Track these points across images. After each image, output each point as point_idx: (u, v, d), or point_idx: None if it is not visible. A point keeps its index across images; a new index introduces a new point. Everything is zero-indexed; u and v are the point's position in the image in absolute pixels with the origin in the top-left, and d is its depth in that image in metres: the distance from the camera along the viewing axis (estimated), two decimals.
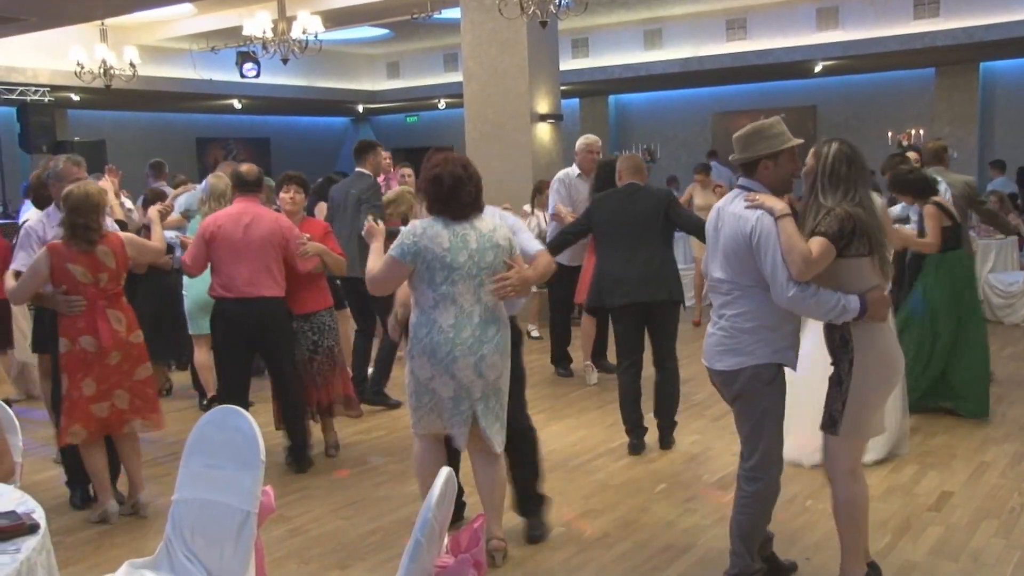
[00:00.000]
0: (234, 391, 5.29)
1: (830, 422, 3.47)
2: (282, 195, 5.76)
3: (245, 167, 5.51)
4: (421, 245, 3.83)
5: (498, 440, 3.97)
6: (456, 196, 3.84)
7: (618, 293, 5.60)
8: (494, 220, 4.00)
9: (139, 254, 4.88)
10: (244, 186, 5.40)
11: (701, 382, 7.35)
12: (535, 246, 4.20)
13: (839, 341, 3.45)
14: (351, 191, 6.77)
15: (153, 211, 5.31)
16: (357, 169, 6.90)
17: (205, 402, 6.78)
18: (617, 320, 5.74)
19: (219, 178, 6.70)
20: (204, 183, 6.78)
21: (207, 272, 5.39)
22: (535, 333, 9.18)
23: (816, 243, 3.29)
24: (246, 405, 5.30)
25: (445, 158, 3.92)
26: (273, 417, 5.63)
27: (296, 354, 5.52)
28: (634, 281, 5.54)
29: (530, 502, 4.37)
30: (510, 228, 4.09)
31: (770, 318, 3.43)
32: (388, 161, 8.39)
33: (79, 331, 4.56)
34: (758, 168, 3.51)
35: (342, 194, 6.85)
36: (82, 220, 4.50)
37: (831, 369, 3.52)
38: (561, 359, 7.86)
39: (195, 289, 6.72)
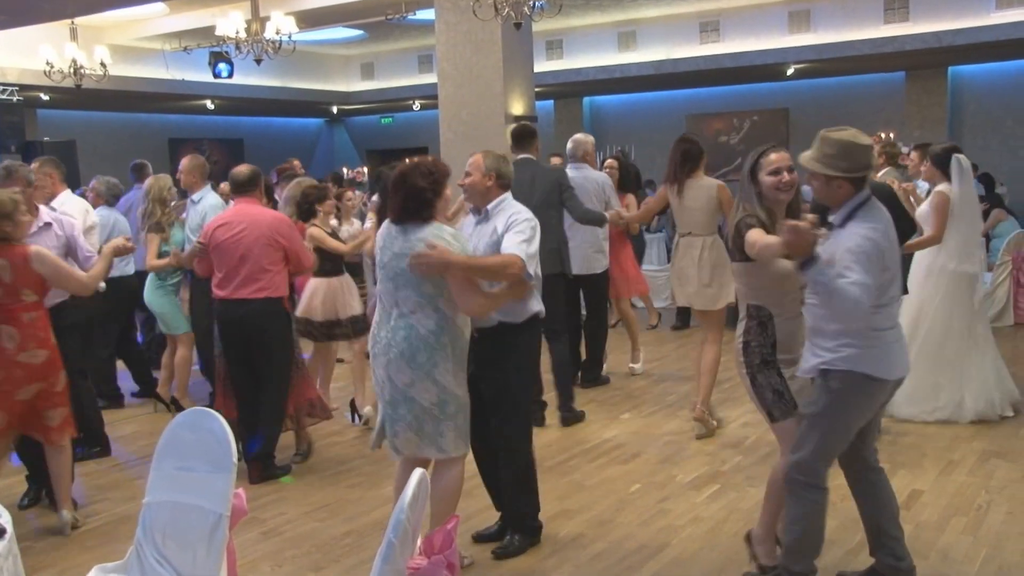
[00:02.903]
0: (243, 392, 5.38)
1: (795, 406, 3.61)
2: None
3: (237, 168, 5.59)
4: (377, 242, 3.94)
5: (399, 449, 3.84)
6: (392, 198, 3.85)
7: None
8: (436, 230, 3.75)
9: (54, 276, 4.50)
10: (238, 187, 5.47)
11: (677, 382, 7.41)
12: (510, 247, 3.85)
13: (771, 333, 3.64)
14: (537, 180, 6.12)
15: (109, 247, 4.95)
16: (523, 156, 6.29)
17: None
18: None
19: (155, 179, 6.78)
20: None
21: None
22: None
23: None
24: (255, 406, 5.38)
25: (412, 162, 3.89)
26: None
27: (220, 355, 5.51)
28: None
29: (515, 522, 4.26)
30: (507, 226, 3.91)
31: None
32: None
33: None
34: None
35: (520, 185, 5.97)
36: None
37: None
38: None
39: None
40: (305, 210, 6.18)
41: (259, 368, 5.38)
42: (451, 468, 3.90)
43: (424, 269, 3.67)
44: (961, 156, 6.04)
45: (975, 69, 15.45)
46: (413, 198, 3.77)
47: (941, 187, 5.97)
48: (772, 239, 3.38)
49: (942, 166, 6.01)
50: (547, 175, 6.29)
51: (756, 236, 3.45)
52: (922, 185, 6.93)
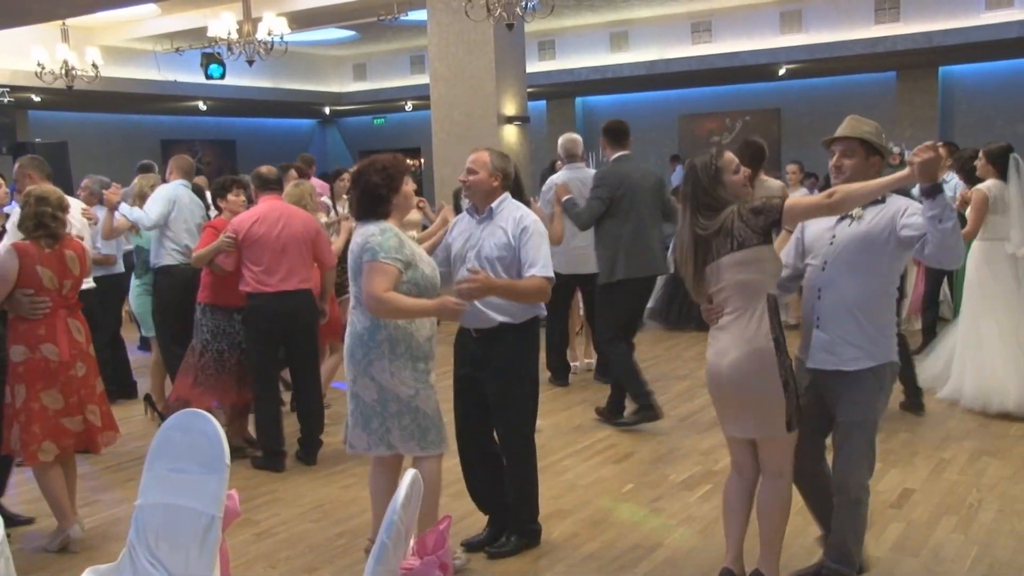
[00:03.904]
0: (268, 386, 5.57)
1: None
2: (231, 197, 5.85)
3: (265, 167, 5.78)
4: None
5: (352, 444, 3.89)
6: (351, 196, 3.88)
7: None
8: (370, 229, 3.72)
9: (91, 263, 4.79)
10: (266, 185, 5.63)
11: (669, 382, 7.42)
12: (532, 265, 3.85)
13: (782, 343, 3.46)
14: (647, 177, 6.16)
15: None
16: (623, 152, 6.25)
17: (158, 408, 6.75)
18: None
19: (140, 177, 6.87)
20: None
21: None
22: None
23: None
24: (278, 399, 5.65)
25: (368, 159, 3.85)
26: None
27: (231, 348, 5.59)
28: None
29: (514, 525, 4.22)
30: (520, 231, 3.88)
31: None
32: None
33: (39, 338, 4.25)
34: None
35: (635, 181, 6.11)
36: (49, 209, 4.32)
37: None
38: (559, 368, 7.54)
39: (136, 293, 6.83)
40: None
41: (300, 357, 5.61)
42: (421, 468, 3.78)
43: (471, 295, 3.70)
44: (1016, 155, 6.29)
45: (965, 69, 15.53)
46: (368, 194, 3.77)
47: (981, 185, 6.19)
48: (869, 182, 3.26)
49: (996, 163, 6.21)
50: (652, 173, 6.36)
51: (803, 197, 3.49)
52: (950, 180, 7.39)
